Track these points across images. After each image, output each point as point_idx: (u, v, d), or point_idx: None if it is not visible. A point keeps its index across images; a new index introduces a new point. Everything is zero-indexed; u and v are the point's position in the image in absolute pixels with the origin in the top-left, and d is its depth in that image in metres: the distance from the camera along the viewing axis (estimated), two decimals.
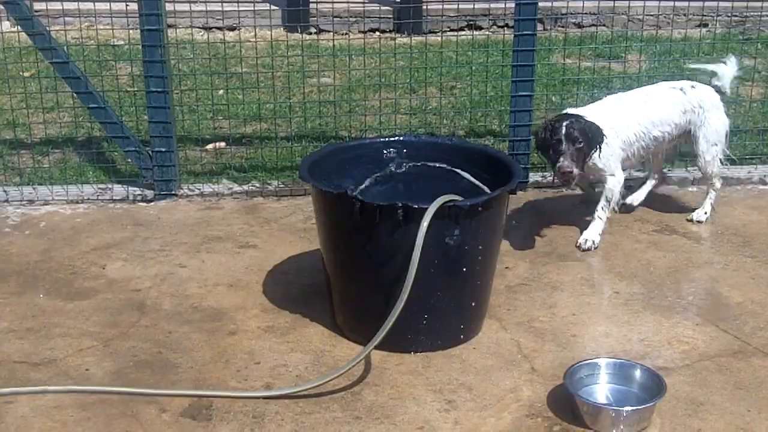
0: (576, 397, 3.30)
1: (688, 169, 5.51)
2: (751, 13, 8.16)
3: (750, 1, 7.41)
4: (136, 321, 3.95)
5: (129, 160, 5.33)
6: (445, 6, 7.09)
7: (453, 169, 4.10)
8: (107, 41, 6.64)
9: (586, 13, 8.18)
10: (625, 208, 4.96)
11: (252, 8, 6.21)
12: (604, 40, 7.51)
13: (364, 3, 8.08)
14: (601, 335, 3.86)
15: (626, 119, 4.66)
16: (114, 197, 5.18)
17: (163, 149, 5.15)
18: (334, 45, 6.38)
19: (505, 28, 8.30)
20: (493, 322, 3.94)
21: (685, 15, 8.02)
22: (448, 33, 7.83)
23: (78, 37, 6.26)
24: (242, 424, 3.30)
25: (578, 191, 5.07)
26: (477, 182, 4.00)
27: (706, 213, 4.90)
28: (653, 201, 5.18)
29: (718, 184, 4.93)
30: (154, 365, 3.64)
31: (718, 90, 4.93)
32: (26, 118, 5.73)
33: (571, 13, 8.31)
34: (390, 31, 8.24)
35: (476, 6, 7.28)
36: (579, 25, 8.44)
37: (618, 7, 7.41)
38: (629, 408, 3.29)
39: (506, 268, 4.37)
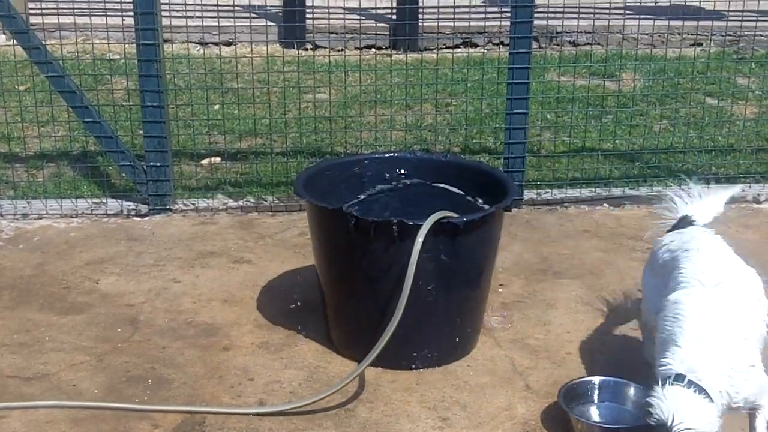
0: (570, 415, 3.30)
1: (682, 187, 5.50)
2: (745, 33, 8.19)
3: (744, 21, 7.45)
4: (129, 336, 3.94)
5: (124, 174, 5.32)
6: (441, 23, 7.10)
7: (448, 185, 4.10)
8: (103, 55, 6.64)
9: (581, 32, 8.21)
10: None
11: (248, 24, 6.22)
12: (599, 58, 7.53)
13: (360, 19, 8.09)
14: (596, 353, 3.85)
15: None
16: (108, 212, 5.17)
17: (158, 164, 5.14)
18: (330, 61, 6.39)
19: (501, 45, 8.31)
20: (487, 339, 3.94)
21: (679, 34, 8.05)
22: (444, 50, 7.84)
23: (74, 51, 6.26)
24: None
25: None
26: (472, 199, 4.01)
27: None
28: (647, 219, 5.18)
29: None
30: (147, 380, 3.63)
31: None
32: (21, 131, 5.72)
33: (566, 32, 8.33)
34: (386, 48, 8.25)
35: (472, 24, 7.29)
36: (574, 44, 8.46)
37: (613, 25, 7.45)
38: (624, 426, 3.28)
39: (501, 285, 4.37)
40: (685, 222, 3.61)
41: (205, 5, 6.37)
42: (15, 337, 3.92)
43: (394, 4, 7.88)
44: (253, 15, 7.82)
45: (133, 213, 5.17)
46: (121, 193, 5.33)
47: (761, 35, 8.30)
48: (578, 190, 5.45)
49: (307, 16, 7.98)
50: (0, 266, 4.55)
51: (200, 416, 3.41)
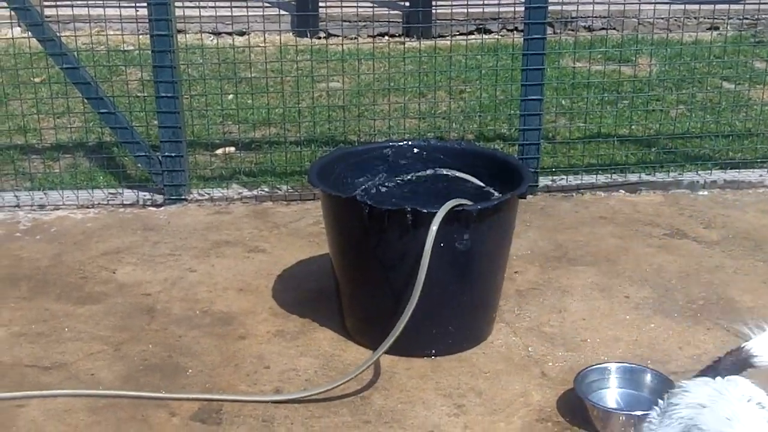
0: (586, 401, 3.30)
1: (699, 173, 5.49)
2: (763, 16, 8.14)
3: (761, 4, 7.40)
4: (146, 325, 3.96)
5: (139, 165, 5.34)
6: (455, 10, 7.08)
7: (462, 173, 4.09)
8: (117, 47, 6.66)
9: (596, 17, 8.17)
10: None
11: (261, 13, 6.22)
12: (615, 43, 7.50)
13: (373, 7, 8.08)
14: (612, 340, 3.85)
15: None
16: (124, 202, 5.18)
17: (173, 154, 5.16)
18: (343, 49, 6.38)
19: (515, 31, 8.29)
20: (502, 326, 3.93)
21: (695, 18, 8.00)
22: (458, 37, 7.82)
23: (88, 42, 6.26)
24: (252, 428, 3.30)
25: None
26: (486, 186, 4.00)
27: None
28: (664, 205, 5.17)
29: None
30: (164, 369, 3.64)
31: None
32: (37, 123, 5.74)
33: (581, 17, 8.29)
34: (399, 36, 8.24)
35: (486, 10, 7.27)
36: (589, 29, 8.42)
37: (628, 10, 7.41)
38: (640, 412, 3.28)
39: (516, 272, 4.36)
40: (737, 361, 2.57)
41: None
42: (33, 327, 3.94)
43: None
44: (266, 4, 7.81)
45: (148, 203, 5.19)
46: (136, 184, 5.35)
47: None
48: (594, 176, 5.44)
49: (320, 4, 7.97)
50: (17, 257, 4.57)
51: (217, 404, 3.43)
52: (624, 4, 6.80)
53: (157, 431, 3.29)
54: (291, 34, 7.87)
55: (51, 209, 5.11)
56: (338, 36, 7.82)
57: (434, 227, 3.45)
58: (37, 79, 6.38)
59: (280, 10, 7.89)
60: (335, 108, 6.18)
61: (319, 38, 7.89)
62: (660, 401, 2.51)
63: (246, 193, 5.30)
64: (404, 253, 3.55)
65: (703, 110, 6.26)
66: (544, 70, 5.22)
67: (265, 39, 6.11)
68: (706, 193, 5.36)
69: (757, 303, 4.12)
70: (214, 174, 5.52)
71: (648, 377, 3.46)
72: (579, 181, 5.39)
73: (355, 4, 7.03)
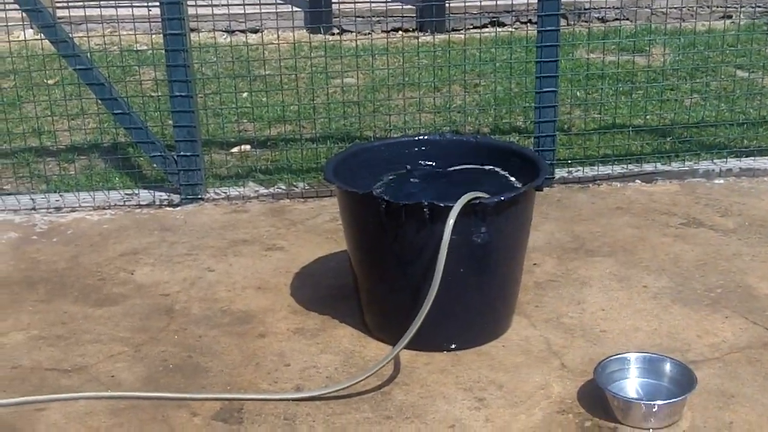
0: (606, 392, 3.29)
1: (715, 161, 5.47)
2: None
3: None
4: (165, 326, 3.97)
5: (155, 165, 5.35)
6: (468, 3, 7.08)
7: (478, 166, 4.09)
8: (130, 47, 6.67)
9: (609, 8, 8.15)
10: None
11: (274, 10, 6.23)
12: (628, 34, 7.48)
13: (386, 2, 8.07)
14: (631, 330, 3.84)
15: None
16: (140, 202, 5.20)
17: (189, 153, 5.17)
18: (357, 45, 6.38)
19: (529, 24, 8.28)
20: (521, 318, 3.93)
21: (708, 7, 7.97)
22: (471, 30, 7.81)
23: (101, 43, 6.29)
24: (274, 426, 3.30)
25: None
26: (503, 179, 3.99)
27: None
28: (680, 194, 5.15)
29: None
30: (184, 369, 3.65)
31: None
32: (51, 125, 5.76)
33: (595, 8, 8.27)
34: (413, 30, 8.24)
35: (499, 3, 7.26)
36: (602, 20, 8.40)
37: (641, 0, 7.38)
38: (660, 402, 3.27)
39: (534, 264, 4.36)
40: None
41: None
42: (52, 330, 3.95)
43: None
44: (279, 1, 7.82)
45: (165, 203, 5.20)
46: (152, 184, 5.36)
47: None
48: (610, 167, 5.42)
49: (333, 0, 7.98)
50: (35, 260, 4.59)
51: (238, 403, 3.43)
52: None
53: None
54: (304, 30, 7.87)
55: (67, 211, 5.13)
56: (352, 32, 7.82)
57: (451, 221, 3.45)
58: (50, 81, 6.41)
59: (293, 7, 7.88)
60: (350, 104, 6.18)
61: (333, 34, 7.90)
62: None
63: (262, 191, 5.30)
64: (422, 247, 3.54)
65: (718, 99, 6.24)
66: (559, 61, 5.20)
67: (278, 36, 6.12)
68: (721, 181, 5.34)
69: None
70: (230, 172, 5.54)
71: (668, 366, 3.44)
72: (595, 172, 5.38)
73: (368, 0, 7.03)
